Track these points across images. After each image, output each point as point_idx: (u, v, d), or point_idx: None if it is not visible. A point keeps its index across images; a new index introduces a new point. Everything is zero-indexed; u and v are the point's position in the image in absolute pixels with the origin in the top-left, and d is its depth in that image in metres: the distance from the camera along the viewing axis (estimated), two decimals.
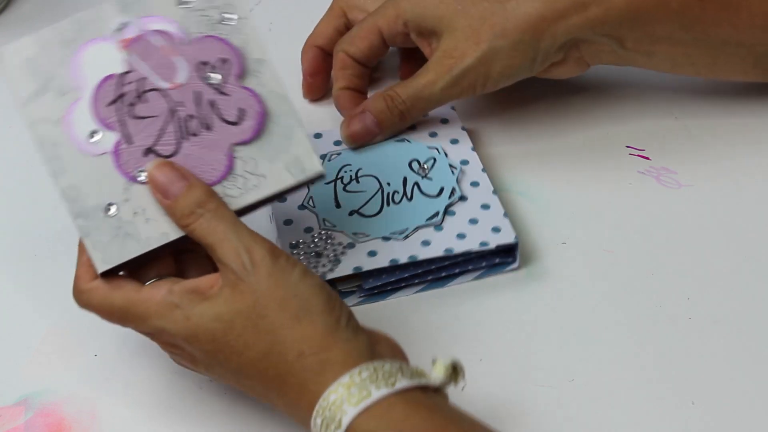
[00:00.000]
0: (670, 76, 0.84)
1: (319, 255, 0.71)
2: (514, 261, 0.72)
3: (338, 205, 0.73)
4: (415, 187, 0.74)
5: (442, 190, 0.74)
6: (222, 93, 0.65)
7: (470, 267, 0.72)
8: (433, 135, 0.77)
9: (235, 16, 0.66)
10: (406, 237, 0.71)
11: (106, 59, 0.64)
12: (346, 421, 0.57)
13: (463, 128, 0.78)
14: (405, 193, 0.73)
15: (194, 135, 0.64)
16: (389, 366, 0.59)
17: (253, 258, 0.61)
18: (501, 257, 0.72)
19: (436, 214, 0.72)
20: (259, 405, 0.66)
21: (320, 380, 0.58)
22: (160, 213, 0.63)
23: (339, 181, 0.74)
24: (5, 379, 0.68)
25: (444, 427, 0.57)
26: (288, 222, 0.72)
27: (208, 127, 0.65)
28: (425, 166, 0.74)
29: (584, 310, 0.71)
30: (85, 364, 0.68)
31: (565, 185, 0.78)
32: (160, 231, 0.63)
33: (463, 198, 0.73)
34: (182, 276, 0.64)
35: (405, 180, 0.74)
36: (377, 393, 0.57)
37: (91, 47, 0.64)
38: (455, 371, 0.60)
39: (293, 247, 0.72)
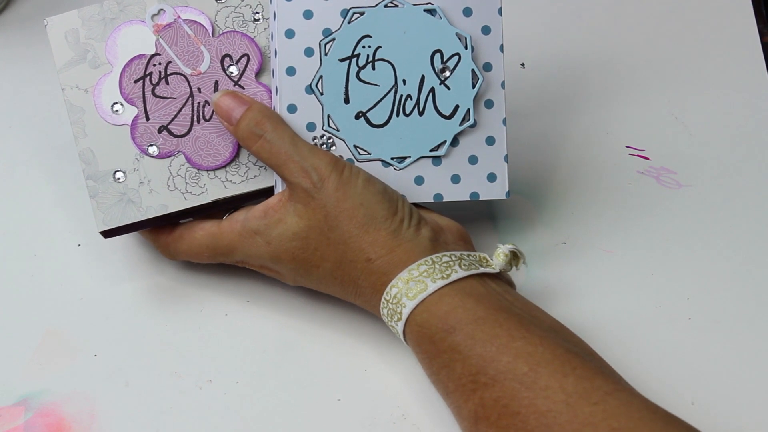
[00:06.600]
0: (670, 75, 0.84)
1: None
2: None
3: (347, 100, 0.68)
4: (430, 96, 0.69)
5: (456, 109, 0.69)
6: (238, 86, 0.69)
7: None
8: (467, 13, 0.70)
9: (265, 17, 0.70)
10: (404, 167, 0.69)
11: (139, 40, 0.69)
12: (405, 313, 0.62)
13: (500, 11, 0.71)
14: (418, 102, 0.69)
15: (207, 120, 0.69)
16: (448, 257, 0.63)
17: (320, 175, 0.64)
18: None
19: (442, 144, 0.69)
20: (257, 405, 0.66)
21: (387, 280, 0.63)
22: (163, 186, 0.68)
23: (354, 62, 0.68)
24: (5, 379, 0.67)
25: (484, 317, 0.60)
26: (292, 108, 0.68)
27: None
28: (447, 65, 0.69)
29: (584, 310, 0.71)
30: (85, 364, 0.68)
31: (565, 185, 0.78)
32: (160, 203, 0.68)
33: (472, 124, 0.70)
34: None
35: (422, 80, 0.69)
36: (433, 285, 0.61)
37: (128, 27, 0.69)
38: (515, 257, 0.65)
39: None
